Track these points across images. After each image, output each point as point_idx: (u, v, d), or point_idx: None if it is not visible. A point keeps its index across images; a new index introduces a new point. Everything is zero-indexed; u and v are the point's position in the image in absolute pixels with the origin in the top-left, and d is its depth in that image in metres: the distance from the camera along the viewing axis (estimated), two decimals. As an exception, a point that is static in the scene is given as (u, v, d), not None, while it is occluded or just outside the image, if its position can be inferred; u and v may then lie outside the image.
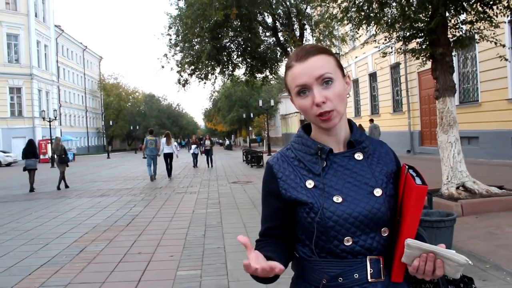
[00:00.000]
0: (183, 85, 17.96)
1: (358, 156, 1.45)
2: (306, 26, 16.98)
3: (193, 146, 26.49)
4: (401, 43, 9.43)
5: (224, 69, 18.06)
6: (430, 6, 8.00)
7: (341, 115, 1.41)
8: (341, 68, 1.45)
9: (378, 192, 1.40)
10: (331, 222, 1.37)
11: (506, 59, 8.78)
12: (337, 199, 1.38)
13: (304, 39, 16.60)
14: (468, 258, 1.21)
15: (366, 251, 1.38)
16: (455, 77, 10.75)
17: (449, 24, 8.50)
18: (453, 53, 8.68)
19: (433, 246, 1.27)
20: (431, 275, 1.28)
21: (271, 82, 23.11)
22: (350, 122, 1.53)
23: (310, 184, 1.42)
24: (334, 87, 1.38)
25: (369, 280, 1.37)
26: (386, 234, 1.40)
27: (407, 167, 1.41)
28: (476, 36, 8.75)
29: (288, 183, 1.46)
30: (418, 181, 1.34)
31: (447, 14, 8.19)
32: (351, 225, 1.37)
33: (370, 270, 1.37)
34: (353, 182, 1.41)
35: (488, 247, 5.62)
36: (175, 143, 20.47)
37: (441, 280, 1.42)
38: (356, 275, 1.37)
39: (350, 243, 1.37)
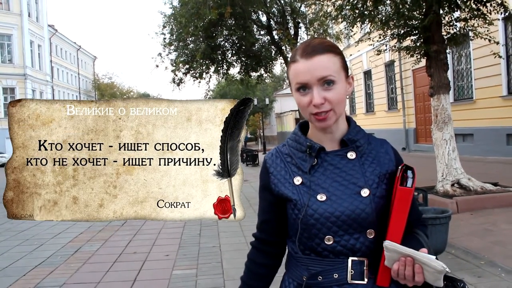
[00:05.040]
0: (178, 84, 17.93)
1: (351, 155, 1.44)
2: (301, 25, 16.96)
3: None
4: (395, 40, 9.43)
5: (219, 68, 18.02)
6: (424, 4, 8.01)
7: (337, 116, 1.40)
8: (345, 68, 1.43)
9: (365, 192, 1.38)
10: (312, 220, 1.37)
11: (500, 56, 8.82)
12: (321, 197, 1.38)
13: (299, 38, 16.58)
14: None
15: (348, 251, 1.37)
16: (450, 74, 10.75)
17: (443, 22, 8.51)
18: (447, 51, 8.70)
19: (411, 250, 1.25)
20: (411, 281, 1.26)
21: (266, 80, 23.10)
22: (349, 119, 1.52)
23: (298, 180, 1.43)
24: (335, 90, 1.36)
25: (349, 282, 1.36)
26: (372, 236, 1.38)
27: (402, 168, 1.39)
28: (470, 34, 8.78)
29: (278, 178, 1.48)
30: (409, 183, 1.32)
31: (441, 11, 8.21)
32: (332, 224, 1.36)
33: (351, 271, 1.37)
34: (340, 181, 1.41)
35: (483, 244, 5.62)
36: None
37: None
38: (335, 275, 1.37)
39: (331, 242, 1.36)
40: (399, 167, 1.39)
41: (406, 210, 1.32)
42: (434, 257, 1.23)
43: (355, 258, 1.37)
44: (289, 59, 1.47)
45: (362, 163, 1.43)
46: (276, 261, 1.61)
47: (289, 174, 1.46)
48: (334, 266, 1.37)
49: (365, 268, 1.37)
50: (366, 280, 1.37)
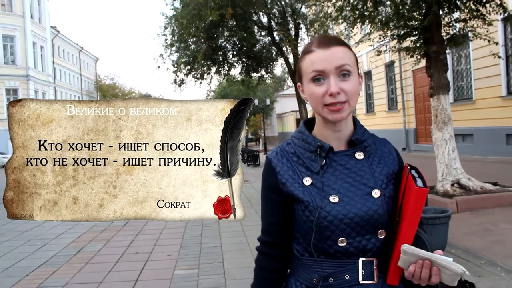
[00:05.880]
0: (179, 85, 17.98)
1: (359, 155, 1.42)
2: (301, 26, 17.00)
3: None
4: (395, 41, 9.46)
5: (220, 69, 18.06)
6: (423, 5, 8.04)
7: (351, 109, 1.39)
8: (357, 65, 1.43)
9: (376, 193, 1.37)
10: (326, 222, 1.34)
11: (499, 57, 8.83)
12: (334, 199, 1.35)
13: (299, 38, 16.61)
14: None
15: (359, 252, 1.35)
16: (449, 75, 10.78)
17: (442, 22, 8.53)
18: (447, 51, 8.72)
19: (430, 253, 1.24)
20: (426, 281, 1.26)
21: (267, 81, 23.10)
22: (354, 119, 1.50)
23: (307, 181, 1.40)
24: (351, 81, 1.36)
25: (361, 282, 1.35)
26: (383, 237, 1.37)
27: (409, 167, 1.38)
28: (470, 34, 8.79)
29: (286, 178, 1.43)
30: (419, 183, 1.31)
31: (440, 12, 8.23)
32: (346, 226, 1.34)
33: (362, 272, 1.35)
34: (351, 182, 1.38)
35: (483, 243, 5.64)
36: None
37: (440, 284, 1.36)
38: (347, 276, 1.35)
39: (344, 244, 1.34)
40: (407, 167, 1.39)
41: (421, 210, 1.31)
42: (452, 259, 1.23)
43: (365, 258, 1.36)
44: (299, 54, 1.45)
45: (370, 163, 1.42)
46: (287, 265, 1.53)
47: (297, 174, 1.42)
48: (346, 267, 1.36)
49: (374, 267, 1.36)
50: (376, 279, 1.36)
